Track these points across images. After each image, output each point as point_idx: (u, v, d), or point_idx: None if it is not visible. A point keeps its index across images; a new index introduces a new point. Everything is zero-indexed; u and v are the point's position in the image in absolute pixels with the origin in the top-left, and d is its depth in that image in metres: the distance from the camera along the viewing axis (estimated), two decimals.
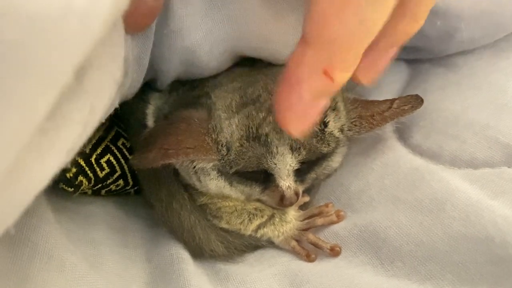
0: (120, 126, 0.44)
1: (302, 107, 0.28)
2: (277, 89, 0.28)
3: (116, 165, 0.42)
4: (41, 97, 0.18)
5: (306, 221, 0.40)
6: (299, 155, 0.36)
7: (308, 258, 0.37)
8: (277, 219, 0.40)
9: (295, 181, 0.38)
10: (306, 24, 0.25)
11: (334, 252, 0.37)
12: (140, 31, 0.33)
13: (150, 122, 0.41)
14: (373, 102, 0.39)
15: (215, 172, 0.38)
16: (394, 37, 0.29)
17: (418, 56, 0.47)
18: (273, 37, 0.29)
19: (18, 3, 0.16)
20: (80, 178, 0.39)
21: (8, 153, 0.19)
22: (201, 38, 0.35)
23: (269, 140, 0.35)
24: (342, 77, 0.27)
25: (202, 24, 0.35)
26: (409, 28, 0.30)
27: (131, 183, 0.44)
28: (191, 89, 0.40)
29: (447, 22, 0.40)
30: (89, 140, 0.39)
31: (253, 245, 0.41)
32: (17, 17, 0.16)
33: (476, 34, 0.41)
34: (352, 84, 0.44)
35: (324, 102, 0.28)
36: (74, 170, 0.38)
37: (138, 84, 0.37)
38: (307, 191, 0.42)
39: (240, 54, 0.39)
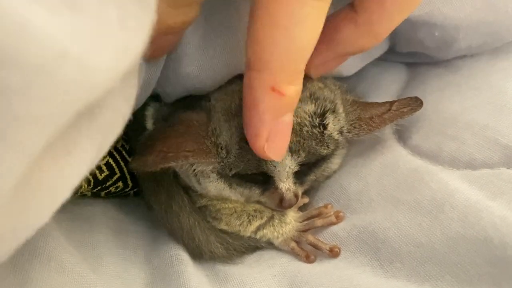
0: None
1: (267, 129, 0.29)
2: (243, 119, 0.30)
3: (115, 167, 0.42)
4: (34, 139, 0.19)
5: (306, 222, 0.40)
6: (298, 157, 0.36)
7: (308, 259, 0.37)
8: (276, 221, 0.40)
9: (295, 183, 0.38)
10: (246, 49, 0.28)
11: (333, 253, 0.37)
12: (156, 60, 0.34)
13: (149, 124, 0.41)
14: (372, 104, 0.39)
15: (215, 174, 0.38)
16: (352, 49, 0.31)
17: (417, 60, 0.47)
18: None
19: (23, 50, 0.16)
20: None
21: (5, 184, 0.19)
22: (203, 64, 0.36)
23: None
24: (291, 90, 0.28)
25: (205, 50, 0.35)
26: (369, 44, 0.32)
27: (130, 185, 0.44)
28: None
29: (445, 33, 0.40)
30: None
31: (253, 246, 0.41)
32: (20, 63, 0.16)
33: (474, 43, 0.41)
34: (351, 86, 0.44)
35: (288, 119, 0.30)
36: None
37: (140, 103, 0.38)
38: (306, 192, 0.42)
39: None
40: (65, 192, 0.23)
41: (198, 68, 0.36)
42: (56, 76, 0.17)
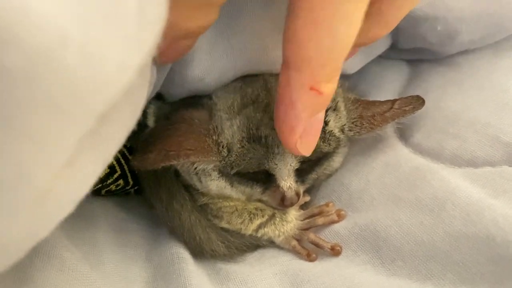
0: None
1: (303, 126, 0.29)
2: (275, 115, 0.30)
3: (116, 165, 0.42)
4: (42, 126, 0.18)
5: (307, 220, 0.40)
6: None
7: (309, 257, 0.37)
8: (277, 219, 0.40)
9: (296, 181, 0.38)
10: (284, 48, 0.27)
11: (334, 251, 0.37)
12: (167, 64, 0.34)
13: (150, 121, 0.41)
14: (374, 102, 0.39)
15: (216, 173, 0.38)
16: (363, 40, 0.30)
17: (419, 57, 0.47)
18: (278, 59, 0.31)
19: (22, 35, 0.16)
20: None
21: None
22: (209, 67, 0.36)
23: (269, 141, 0.35)
24: (329, 88, 0.28)
25: (212, 53, 0.35)
26: (380, 33, 0.31)
27: (131, 183, 0.44)
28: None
29: (447, 26, 0.40)
30: None
31: (254, 244, 0.41)
32: (24, 46, 0.16)
33: (477, 36, 0.41)
34: (352, 85, 0.44)
35: (322, 116, 0.30)
36: None
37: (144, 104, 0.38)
38: (307, 191, 0.42)
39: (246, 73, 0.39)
40: (69, 204, 0.23)
41: (203, 71, 0.36)
42: (59, 61, 0.17)
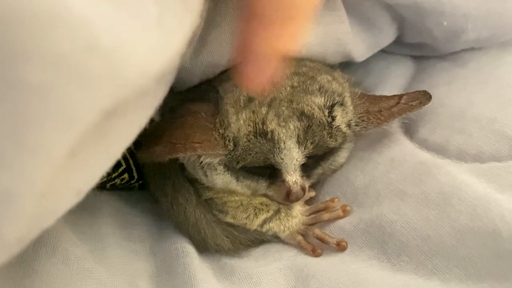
0: None
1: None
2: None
3: (121, 159, 0.41)
4: (59, 141, 0.18)
5: (312, 216, 0.40)
6: (305, 148, 0.36)
7: (314, 252, 0.37)
8: (283, 214, 0.40)
9: (302, 176, 0.38)
10: None
11: (340, 246, 0.36)
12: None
13: (156, 115, 0.41)
14: (380, 97, 0.39)
15: (222, 167, 0.38)
16: None
17: (424, 53, 0.47)
18: None
19: (44, 44, 0.16)
20: None
21: (28, 192, 0.19)
22: (227, 50, 0.36)
23: (275, 135, 0.35)
24: None
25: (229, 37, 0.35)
26: None
27: (136, 177, 0.43)
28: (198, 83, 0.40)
29: (454, 23, 0.40)
30: None
31: (259, 239, 0.41)
32: (43, 59, 0.16)
33: (483, 35, 0.41)
34: (358, 80, 0.44)
35: None
36: None
37: None
38: (313, 186, 0.42)
39: None
40: (73, 196, 0.23)
41: (219, 56, 0.36)
42: (81, 72, 0.16)
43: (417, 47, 0.45)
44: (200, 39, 0.34)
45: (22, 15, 0.15)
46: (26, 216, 0.20)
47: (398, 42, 0.45)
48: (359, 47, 0.42)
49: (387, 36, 0.44)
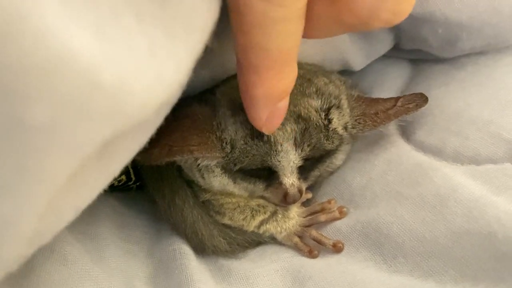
0: None
1: (265, 115, 0.31)
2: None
3: None
4: (62, 169, 0.19)
5: (309, 217, 0.40)
6: (302, 151, 0.36)
7: (311, 254, 0.37)
8: (279, 216, 0.40)
9: (299, 178, 0.38)
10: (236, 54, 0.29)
11: (336, 248, 0.37)
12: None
13: None
14: (377, 100, 0.39)
15: (219, 169, 0.38)
16: None
17: (421, 57, 0.47)
18: None
19: (50, 88, 0.16)
20: None
21: (29, 217, 0.19)
22: (221, 65, 0.36)
23: (272, 138, 0.35)
24: (283, 84, 0.30)
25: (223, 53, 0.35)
26: None
27: (133, 178, 0.44)
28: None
29: (448, 31, 0.40)
30: None
31: (256, 241, 0.41)
32: (48, 101, 0.16)
33: (478, 44, 0.41)
34: (355, 82, 0.44)
35: (284, 102, 0.32)
36: None
37: None
38: (309, 188, 0.42)
39: None
40: (71, 213, 0.23)
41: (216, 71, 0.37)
42: (85, 109, 0.17)
43: (414, 52, 0.45)
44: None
45: (30, 61, 0.15)
46: (25, 238, 0.20)
47: (396, 47, 0.46)
48: (357, 55, 0.43)
49: (385, 45, 0.44)
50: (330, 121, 0.36)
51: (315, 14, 0.26)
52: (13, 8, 0.14)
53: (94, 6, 0.17)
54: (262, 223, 0.40)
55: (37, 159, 0.17)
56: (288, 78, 0.30)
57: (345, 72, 0.45)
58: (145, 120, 0.21)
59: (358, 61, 0.44)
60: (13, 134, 0.17)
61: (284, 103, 0.31)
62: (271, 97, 0.30)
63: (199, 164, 0.38)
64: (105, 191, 0.43)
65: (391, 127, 0.41)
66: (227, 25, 0.27)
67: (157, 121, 0.27)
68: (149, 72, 0.19)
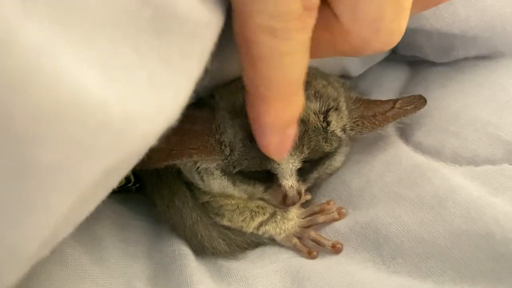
0: None
1: (276, 141, 0.32)
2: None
3: None
4: (66, 200, 0.19)
5: (308, 218, 0.40)
6: (301, 153, 0.36)
7: (310, 255, 0.38)
8: (279, 217, 0.40)
9: (298, 180, 0.38)
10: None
11: (335, 249, 0.37)
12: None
13: None
14: (375, 102, 0.39)
15: (219, 171, 0.38)
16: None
17: (419, 59, 0.47)
18: None
19: (59, 130, 0.16)
20: None
21: (33, 245, 0.20)
22: (231, 73, 0.37)
23: None
24: (291, 112, 0.31)
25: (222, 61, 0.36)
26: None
27: (132, 180, 0.44)
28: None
29: (443, 40, 0.40)
30: None
31: (255, 242, 0.41)
32: (56, 143, 0.17)
33: (472, 53, 0.42)
34: (353, 84, 0.44)
35: (292, 129, 0.32)
36: None
37: None
38: (308, 189, 0.42)
39: None
40: (67, 229, 0.24)
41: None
42: (92, 147, 0.17)
43: (412, 56, 0.45)
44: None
45: (42, 107, 0.16)
46: (27, 261, 0.21)
47: (393, 52, 0.46)
48: (355, 62, 0.43)
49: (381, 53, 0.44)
50: (328, 123, 0.37)
51: (314, 39, 0.27)
52: (29, 57, 0.15)
53: (95, 43, 0.17)
54: (261, 224, 0.40)
55: (44, 194, 0.18)
56: (295, 105, 0.30)
57: (343, 75, 0.45)
58: (146, 147, 0.21)
59: (355, 68, 0.45)
60: (22, 173, 0.17)
61: (292, 130, 0.32)
62: (279, 125, 0.31)
63: (198, 167, 0.38)
64: None
65: (390, 128, 0.41)
66: (226, 46, 0.27)
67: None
68: (151, 103, 0.20)
